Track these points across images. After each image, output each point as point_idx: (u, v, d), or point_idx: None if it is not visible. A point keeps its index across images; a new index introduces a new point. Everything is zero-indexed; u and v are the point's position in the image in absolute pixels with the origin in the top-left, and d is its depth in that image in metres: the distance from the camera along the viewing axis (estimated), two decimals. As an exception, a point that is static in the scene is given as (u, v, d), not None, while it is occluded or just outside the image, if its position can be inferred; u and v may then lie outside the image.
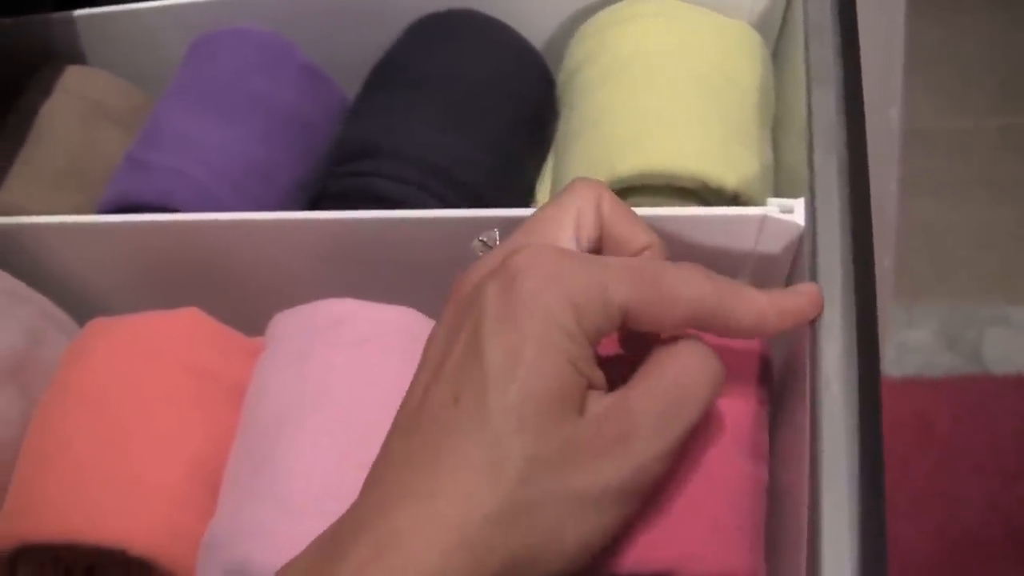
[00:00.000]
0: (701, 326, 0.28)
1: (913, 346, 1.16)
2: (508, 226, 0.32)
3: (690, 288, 0.28)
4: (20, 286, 0.43)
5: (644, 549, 0.29)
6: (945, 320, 1.17)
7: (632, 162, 0.38)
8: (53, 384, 0.40)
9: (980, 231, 1.24)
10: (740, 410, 0.32)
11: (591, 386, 0.27)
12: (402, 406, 0.29)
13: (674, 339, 0.28)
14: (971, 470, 1.04)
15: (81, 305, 0.45)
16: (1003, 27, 1.41)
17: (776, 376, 0.35)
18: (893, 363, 1.14)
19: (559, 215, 0.30)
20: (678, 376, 0.28)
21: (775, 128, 0.43)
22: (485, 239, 0.33)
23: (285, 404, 0.36)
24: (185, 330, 0.40)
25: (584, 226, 0.30)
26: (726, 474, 0.30)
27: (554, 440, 0.26)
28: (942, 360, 1.14)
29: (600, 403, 0.27)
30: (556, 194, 0.31)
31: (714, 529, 0.29)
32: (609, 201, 0.31)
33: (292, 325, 0.39)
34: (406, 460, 0.27)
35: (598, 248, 0.31)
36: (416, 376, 0.29)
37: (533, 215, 0.31)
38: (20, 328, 0.41)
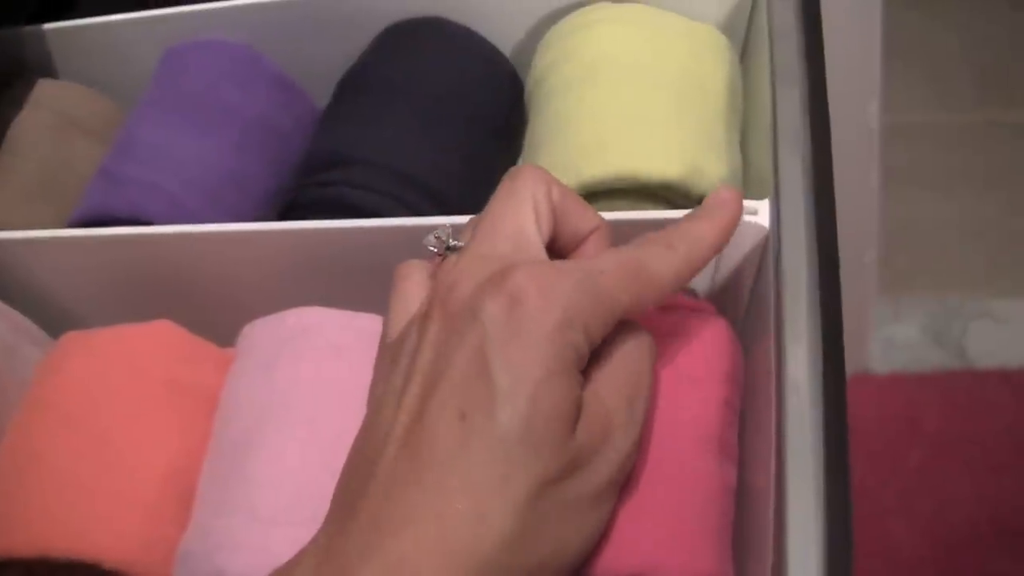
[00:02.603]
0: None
1: (899, 342, 1.15)
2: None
3: (668, 268, 0.29)
4: (-8, 301, 0.43)
5: (606, 553, 0.29)
6: (931, 314, 1.17)
7: (598, 167, 0.38)
8: (26, 398, 0.40)
9: (965, 225, 1.24)
10: (706, 409, 0.32)
11: None
12: (377, 415, 0.28)
13: None
14: (960, 465, 1.04)
15: (54, 318, 0.45)
16: (988, 18, 1.41)
17: (744, 377, 0.35)
18: (879, 359, 1.14)
19: (520, 208, 0.30)
20: (627, 359, 0.29)
21: (743, 130, 0.43)
22: (439, 235, 0.32)
23: (255, 414, 0.36)
24: (158, 342, 0.40)
25: (541, 216, 0.30)
26: (691, 475, 0.30)
27: (562, 457, 0.26)
28: (928, 355, 1.14)
29: (584, 406, 0.27)
30: (506, 183, 0.31)
31: (677, 531, 0.29)
32: (558, 189, 0.31)
33: (261, 335, 0.39)
34: (404, 478, 0.26)
35: (552, 237, 0.31)
36: (390, 384, 0.28)
37: (492, 209, 0.30)
38: (-8, 343, 0.41)
